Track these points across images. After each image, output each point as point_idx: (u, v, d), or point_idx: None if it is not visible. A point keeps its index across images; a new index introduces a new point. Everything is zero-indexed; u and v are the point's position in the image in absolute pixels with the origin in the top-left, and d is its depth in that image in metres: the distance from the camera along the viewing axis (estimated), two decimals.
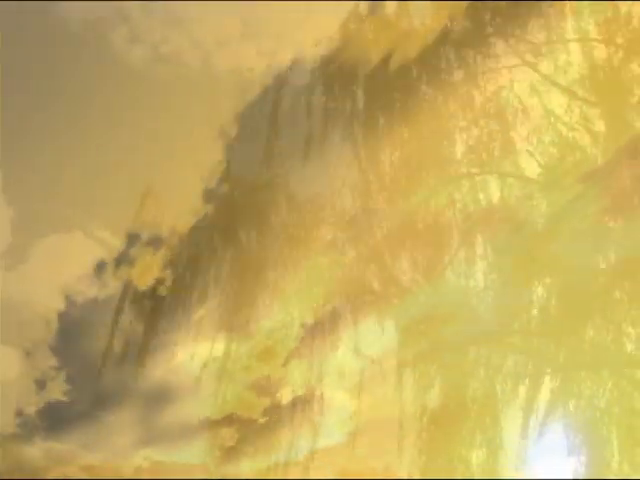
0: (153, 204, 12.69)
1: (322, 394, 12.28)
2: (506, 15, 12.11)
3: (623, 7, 12.05)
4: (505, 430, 11.58)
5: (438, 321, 11.58)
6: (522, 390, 11.73)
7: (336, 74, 12.28)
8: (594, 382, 11.45)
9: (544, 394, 11.62)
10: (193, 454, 12.27)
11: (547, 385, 11.69)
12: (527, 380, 11.77)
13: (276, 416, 12.33)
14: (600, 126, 11.79)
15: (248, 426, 12.58)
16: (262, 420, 12.46)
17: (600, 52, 11.92)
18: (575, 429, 11.28)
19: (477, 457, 11.59)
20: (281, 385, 12.46)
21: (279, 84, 12.50)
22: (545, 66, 12.00)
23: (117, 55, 12.89)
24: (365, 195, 12.13)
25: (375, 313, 12.01)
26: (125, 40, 12.95)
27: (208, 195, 12.48)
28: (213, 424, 12.40)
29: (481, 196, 11.94)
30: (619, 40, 11.98)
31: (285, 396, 12.32)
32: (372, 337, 12.06)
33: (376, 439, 12.27)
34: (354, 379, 12.18)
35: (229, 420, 12.29)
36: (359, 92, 12.27)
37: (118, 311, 12.42)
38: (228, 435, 12.30)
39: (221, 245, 12.53)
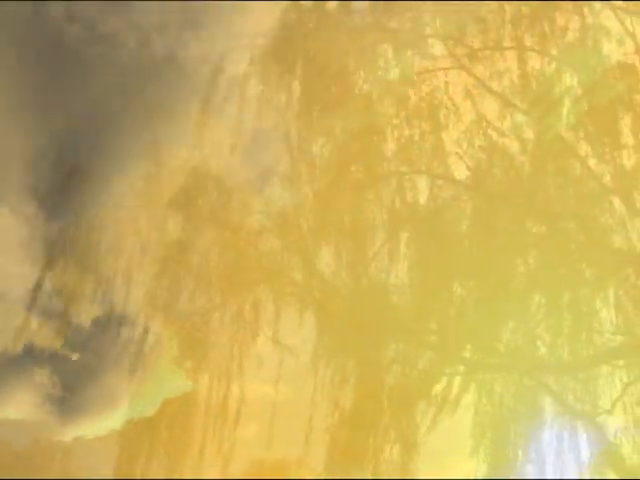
0: (82, 181, 12.55)
1: (240, 383, 12.22)
2: (446, 17, 12.22)
3: (560, 20, 12.25)
4: (420, 427, 11.64)
5: (358, 316, 11.60)
6: (437, 388, 11.82)
7: (273, 64, 12.26)
8: (505, 383, 11.60)
9: (458, 392, 11.72)
10: None
11: (461, 384, 11.80)
12: (442, 378, 11.87)
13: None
14: (530, 134, 11.95)
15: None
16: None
17: (535, 62, 12.10)
18: (483, 428, 11.39)
19: (390, 454, 11.64)
20: (199, 371, 12.38)
21: (215, 72, 12.46)
22: (480, 71, 12.13)
23: (53, 33, 12.77)
24: (294, 186, 12.11)
25: (296, 304, 12.00)
26: (62, 18, 12.85)
27: (135, 175, 12.37)
28: None
29: (408, 195, 12.00)
30: (553, 51, 12.17)
31: (202, 383, 12.24)
32: (292, 328, 12.05)
33: (291, 431, 12.26)
34: (272, 369, 12.16)
35: None
36: (295, 83, 12.27)
37: None
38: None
39: (146, 226, 12.42)
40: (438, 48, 12.19)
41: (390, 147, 12.05)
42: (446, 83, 12.14)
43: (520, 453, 11.35)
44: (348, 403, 11.51)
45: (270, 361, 12.10)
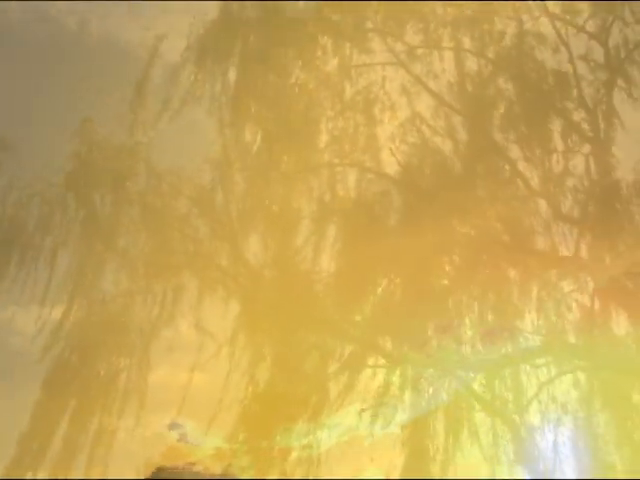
0: (11, 157, 12.35)
1: (160, 367, 12.10)
2: (387, 13, 12.32)
3: (499, 24, 12.44)
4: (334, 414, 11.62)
5: (281, 304, 11.57)
6: (359, 380, 11.82)
7: (211, 51, 12.23)
8: (430, 377, 11.66)
9: (381, 386, 11.74)
10: None
11: (384, 377, 11.82)
12: (365, 371, 11.89)
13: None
14: (463, 134, 12.08)
15: None
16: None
17: (471, 63, 12.26)
18: (407, 421, 11.44)
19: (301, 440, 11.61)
20: (120, 354, 12.23)
21: (151, 56, 12.39)
22: (418, 69, 12.25)
23: None
24: (225, 173, 12.07)
25: (221, 290, 11.93)
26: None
27: (68, 153, 12.23)
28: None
29: (339, 187, 12.03)
30: (490, 55, 12.34)
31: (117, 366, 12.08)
32: (214, 314, 11.97)
33: (206, 416, 12.15)
34: (191, 354, 12.05)
35: None
36: (231, 70, 12.25)
37: None
38: None
39: (74, 206, 12.26)
40: (377, 43, 12.24)
41: (323, 138, 12.07)
42: (383, 78, 12.21)
43: (439, 446, 11.38)
44: (264, 388, 11.45)
45: (191, 346, 11.99)
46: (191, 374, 11.54)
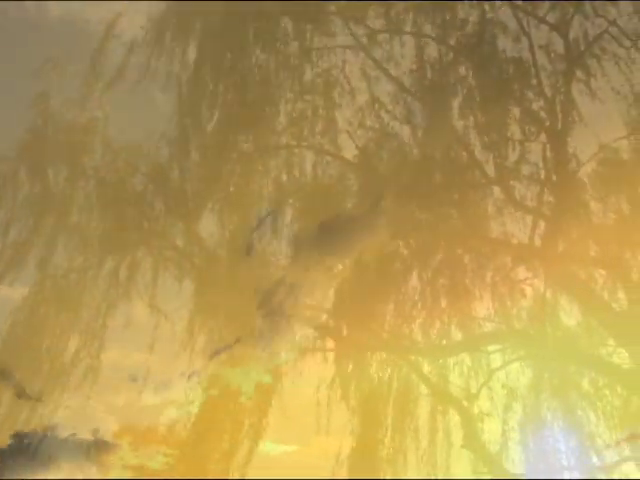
0: None
1: (112, 346, 11.97)
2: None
3: (461, 12, 12.46)
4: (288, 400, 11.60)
5: (236, 285, 11.50)
6: (312, 363, 11.81)
7: (169, 29, 12.14)
8: (381, 362, 11.68)
9: (331, 370, 11.73)
10: None
11: (336, 361, 11.81)
12: (314, 354, 11.87)
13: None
14: (421, 120, 12.08)
15: None
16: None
17: (432, 50, 12.25)
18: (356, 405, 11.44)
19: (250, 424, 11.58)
20: (70, 331, 12.08)
21: (107, 33, 12.27)
22: (379, 53, 12.21)
23: None
24: (182, 151, 11.96)
25: (175, 270, 11.84)
26: None
27: (22, 127, 12.07)
28: None
29: (296, 169, 11.99)
30: (451, 42, 12.36)
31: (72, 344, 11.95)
32: (169, 293, 11.88)
33: (162, 398, 12.06)
34: (146, 335, 11.95)
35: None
36: (190, 48, 12.16)
37: None
38: None
39: (27, 180, 12.10)
40: (339, 26, 12.20)
41: (282, 120, 12.02)
42: (343, 62, 12.17)
43: (389, 431, 11.39)
44: (219, 369, 11.39)
45: (145, 326, 11.89)
46: (146, 354, 11.42)
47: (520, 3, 12.47)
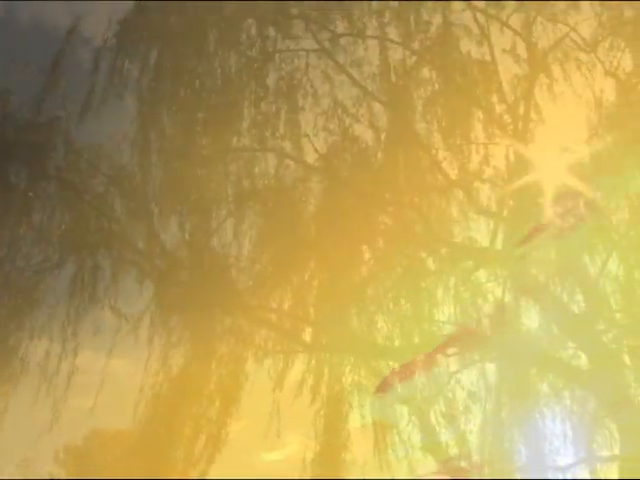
0: None
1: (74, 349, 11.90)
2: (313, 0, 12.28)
3: (425, 15, 12.47)
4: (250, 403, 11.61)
5: (197, 288, 11.50)
6: (273, 365, 11.82)
7: (132, 31, 12.07)
8: (341, 366, 11.71)
9: (296, 372, 11.75)
10: None
11: (300, 364, 11.84)
12: (279, 357, 11.88)
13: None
14: (384, 123, 12.10)
15: None
16: None
17: (395, 53, 12.25)
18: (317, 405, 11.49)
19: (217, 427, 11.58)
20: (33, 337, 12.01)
21: (70, 35, 12.20)
22: (342, 57, 12.18)
23: None
24: (143, 153, 11.92)
25: (135, 272, 11.80)
26: None
27: None
28: None
29: (257, 172, 11.97)
30: (415, 45, 12.36)
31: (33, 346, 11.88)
32: (130, 296, 11.83)
33: (124, 401, 12.04)
34: (108, 338, 11.90)
35: None
36: (153, 50, 12.09)
37: None
38: None
39: None
40: (302, 29, 12.18)
41: (244, 122, 11.98)
42: (307, 65, 12.14)
43: (348, 431, 11.44)
44: (179, 371, 11.38)
45: (106, 329, 11.84)
46: (108, 358, 11.37)
47: (483, 7, 12.48)
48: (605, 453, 11.44)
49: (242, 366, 11.43)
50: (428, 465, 11.56)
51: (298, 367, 11.75)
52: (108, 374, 11.66)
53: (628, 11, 11.80)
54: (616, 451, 11.26)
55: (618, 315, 11.70)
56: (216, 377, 11.24)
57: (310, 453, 11.48)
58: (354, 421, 11.66)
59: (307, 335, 11.90)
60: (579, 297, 11.57)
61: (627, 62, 11.53)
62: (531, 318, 11.67)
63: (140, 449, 11.90)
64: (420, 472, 11.41)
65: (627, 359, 11.50)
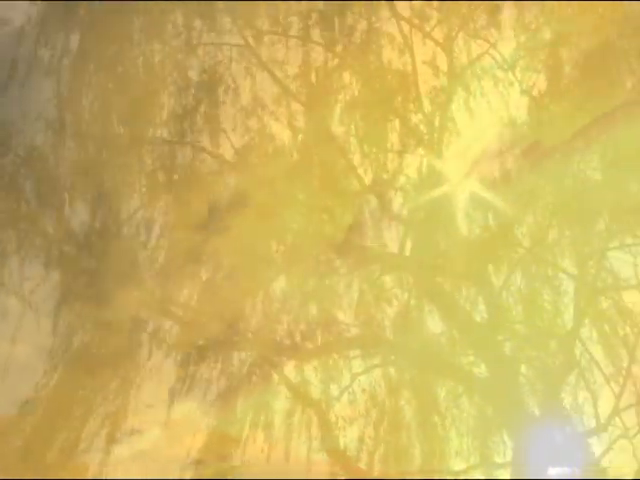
0: None
1: None
2: None
3: (349, 19, 12.56)
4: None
5: (104, 277, 11.37)
6: (176, 359, 11.73)
7: (52, 19, 11.87)
8: (242, 361, 11.74)
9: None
10: None
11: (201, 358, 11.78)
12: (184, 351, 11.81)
13: None
14: (301, 123, 12.16)
15: None
16: None
17: (318, 55, 12.30)
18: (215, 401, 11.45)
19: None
20: None
21: None
22: (266, 54, 12.17)
23: None
24: (58, 135, 11.73)
25: (43, 255, 11.60)
26: None
27: None
28: None
29: (172, 164, 11.89)
30: (338, 48, 12.45)
31: None
32: (36, 281, 11.62)
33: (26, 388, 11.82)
34: (12, 324, 11.67)
35: None
36: (74, 35, 11.90)
37: None
38: None
39: None
40: (227, 24, 12.15)
41: (162, 114, 11.89)
42: (230, 59, 12.10)
43: (244, 430, 11.46)
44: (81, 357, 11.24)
45: (11, 315, 11.61)
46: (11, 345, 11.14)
47: (408, 16, 12.66)
48: (498, 460, 11.67)
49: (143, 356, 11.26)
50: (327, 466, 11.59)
51: (200, 362, 11.62)
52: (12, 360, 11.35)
53: (546, 34, 12.08)
54: (508, 458, 11.50)
55: (518, 326, 11.95)
56: (113, 361, 11.06)
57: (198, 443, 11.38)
58: (248, 416, 11.59)
59: (214, 330, 11.80)
60: (482, 307, 11.80)
61: (542, 83, 11.77)
62: (434, 325, 11.86)
63: (36, 434, 11.70)
64: (317, 473, 11.45)
65: (524, 369, 11.76)
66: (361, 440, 11.54)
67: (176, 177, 11.53)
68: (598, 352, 11.49)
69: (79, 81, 11.52)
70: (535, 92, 11.71)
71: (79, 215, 11.41)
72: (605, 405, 11.24)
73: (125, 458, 11.43)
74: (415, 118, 12.15)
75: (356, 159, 11.85)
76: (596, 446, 11.20)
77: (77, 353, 11.19)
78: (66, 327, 11.31)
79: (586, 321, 11.47)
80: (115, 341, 11.00)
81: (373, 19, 12.39)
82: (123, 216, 11.45)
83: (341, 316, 11.62)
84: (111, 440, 11.16)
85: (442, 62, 12.30)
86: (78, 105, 11.52)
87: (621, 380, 11.15)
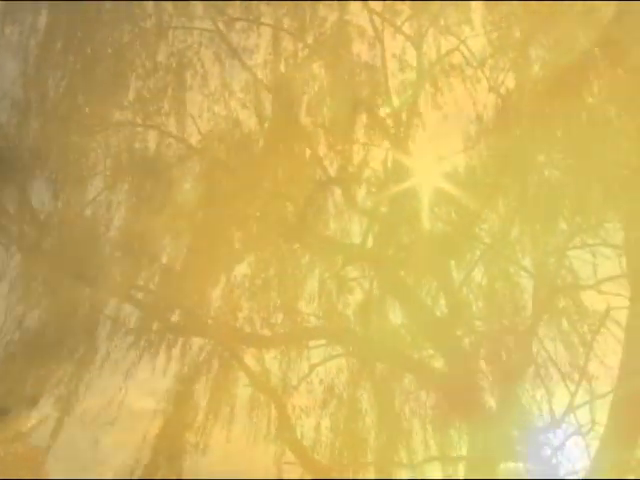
0: None
1: None
2: None
3: (322, 10, 12.55)
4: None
5: (66, 259, 11.26)
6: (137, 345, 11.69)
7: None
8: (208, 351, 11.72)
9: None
10: None
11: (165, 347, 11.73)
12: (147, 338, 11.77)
13: None
14: (269, 112, 12.14)
15: None
16: None
17: (288, 44, 12.28)
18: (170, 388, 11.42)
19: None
20: None
21: None
22: (235, 41, 12.12)
23: None
24: (23, 114, 11.60)
25: (3, 237, 11.48)
26: None
27: None
28: None
29: (137, 147, 11.80)
30: (309, 39, 12.43)
31: None
32: None
33: None
34: None
35: None
36: (41, 15, 11.75)
37: None
38: None
39: None
40: (198, 8, 12.08)
41: (129, 96, 11.80)
42: (199, 44, 12.04)
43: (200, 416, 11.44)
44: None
45: None
46: None
47: (380, 10, 12.67)
48: (454, 453, 11.75)
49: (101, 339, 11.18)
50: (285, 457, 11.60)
51: (162, 347, 11.57)
52: None
53: (516, 32, 12.14)
54: (464, 452, 11.58)
55: (478, 322, 12.03)
56: (71, 343, 10.97)
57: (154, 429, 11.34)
58: (204, 403, 11.57)
59: (175, 317, 11.76)
60: (442, 301, 11.86)
61: (510, 81, 11.83)
62: (395, 317, 11.90)
63: None
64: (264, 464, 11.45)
65: (483, 365, 11.83)
66: (317, 430, 11.51)
67: (141, 160, 11.37)
68: (555, 350, 11.52)
69: (46, 61, 11.31)
70: (503, 90, 11.68)
71: (42, 196, 11.19)
72: (560, 402, 11.31)
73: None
74: (382, 112, 12.11)
75: (322, 150, 11.76)
76: (550, 442, 11.26)
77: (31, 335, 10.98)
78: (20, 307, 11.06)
79: (544, 319, 11.50)
80: (72, 324, 10.84)
81: (345, 11, 12.31)
82: (87, 198, 11.27)
83: (302, 305, 11.55)
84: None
85: (411, 57, 12.29)
86: (44, 85, 11.31)
87: (577, 377, 11.20)
